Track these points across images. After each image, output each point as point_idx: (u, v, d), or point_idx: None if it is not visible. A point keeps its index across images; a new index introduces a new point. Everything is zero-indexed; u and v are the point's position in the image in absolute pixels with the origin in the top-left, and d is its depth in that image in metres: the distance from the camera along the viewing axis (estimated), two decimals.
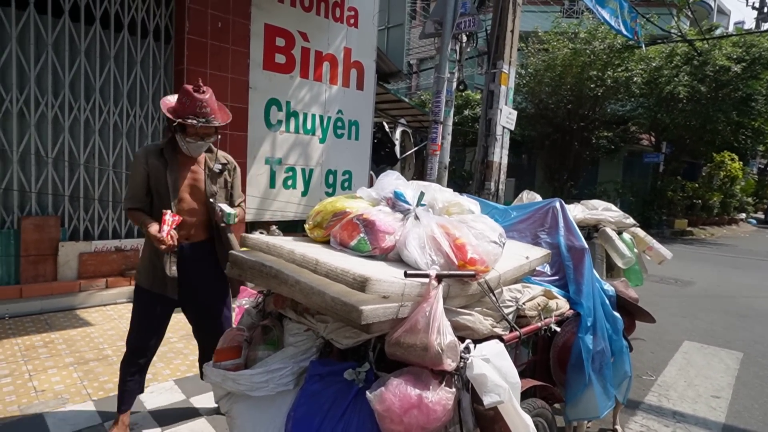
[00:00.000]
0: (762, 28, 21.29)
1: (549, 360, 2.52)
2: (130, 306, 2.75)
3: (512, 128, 7.72)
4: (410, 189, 2.21)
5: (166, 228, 2.42)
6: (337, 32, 6.22)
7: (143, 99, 5.24)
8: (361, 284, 1.56)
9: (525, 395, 2.15)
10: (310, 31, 5.88)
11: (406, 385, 1.59)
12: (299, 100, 5.87)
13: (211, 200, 2.63)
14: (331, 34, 6.14)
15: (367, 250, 1.98)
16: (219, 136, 2.65)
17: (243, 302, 2.32)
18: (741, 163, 19.55)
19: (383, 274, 1.68)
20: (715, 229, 18.88)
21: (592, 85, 15.02)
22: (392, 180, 2.27)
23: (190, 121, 2.41)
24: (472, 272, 1.87)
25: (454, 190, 2.45)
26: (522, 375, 2.33)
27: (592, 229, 3.73)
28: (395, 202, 2.15)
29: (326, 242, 2.12)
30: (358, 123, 6.56)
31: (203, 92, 2.47)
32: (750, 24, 24.58)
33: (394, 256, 2.00)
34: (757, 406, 3.81)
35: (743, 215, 22.21)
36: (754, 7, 24.45)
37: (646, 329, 5.36)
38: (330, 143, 6.27)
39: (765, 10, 23.98)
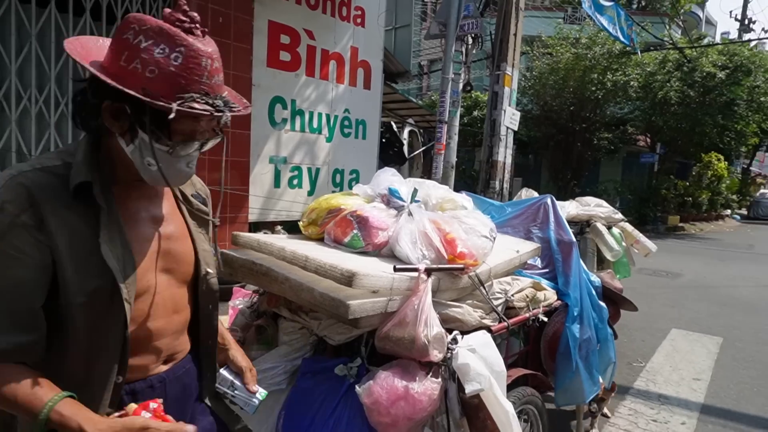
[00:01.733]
0: (743, 39, 21.02)
1: (540, 350, 2.44)
2: None
3: (515, 129, 7.58)
4: (405, 186, 2.12)
5: None
6: (343, 31, 5.99)
7: None
8: (348, 279, 1.48)
9: (516, 384, 2.07)
10: (316, 30, 5.64)
11: (394, 377, 1.51)
12: (305, 98, 5.64)
13: (209, 272, 1.16)
14: (337, 32, 5.91)
15: (360, 246, 1.89)
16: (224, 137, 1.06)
17: (237, 302, 2.22)
18: (726, 163, 19.45)
19: (372, 268, 1.59)
20: (704, 225, 18.66)
21: (593, 88, 14.81)
22: (388, 177, 2.18)
23: (199, 107, 0.90)
24: (461, 266, 1.77)
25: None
26: (514, 365, 2.27)
27: (584, 224, 3.62)
28: (390, 199, 2.06)
29: (321, 239, 2.03)
30: (365, 122, 6.39)
31: (205, 36, 0.96)
32: (734, 34, 24.35)
33: (387, 252, 1.91)
34: (732, 386, 3.83)
35: (728, 211, 21.98)
36: (736, 19, 24.23)
37: (639, 319, 5.30)
38: (337, 142, 6.08)
39: (746, 22, 23.76)
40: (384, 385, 1.49)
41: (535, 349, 2.44)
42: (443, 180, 6.23)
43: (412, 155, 8.90)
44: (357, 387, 1.54)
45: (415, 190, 2.04)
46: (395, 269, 1.61)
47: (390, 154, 7.96)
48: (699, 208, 18.77)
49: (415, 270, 1.64)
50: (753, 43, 16.86)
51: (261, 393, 1.24)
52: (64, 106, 4.40)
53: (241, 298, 2.24)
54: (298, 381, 1.76)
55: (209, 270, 1.16)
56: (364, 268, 1.53)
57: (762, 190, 27.19)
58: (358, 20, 6.12)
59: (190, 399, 1.18)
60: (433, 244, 1.80)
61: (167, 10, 0.93)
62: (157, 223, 1.07)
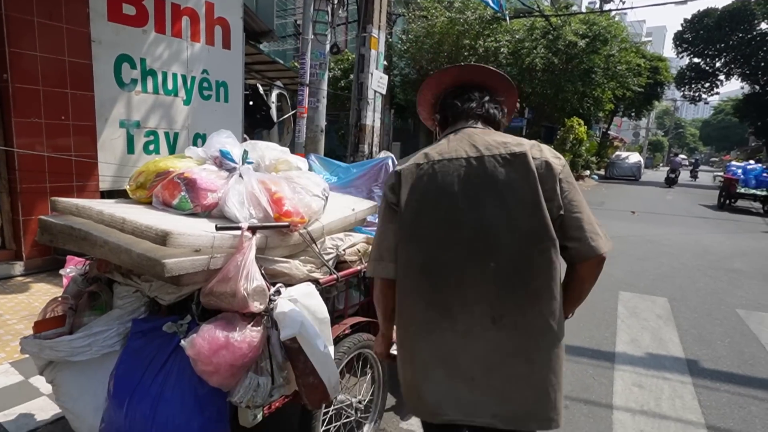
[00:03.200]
0: (604, 9, 23.61)
1: None
2: None
3: (383, 92, 7.82)
4: (237, 148, 2.24)
5: None
6: None
7: None
8: (162, 238, 1.59)
9: (355, 331, 2.35)
10: None
11: (216, 329, 1.67)
12: (156, 57, 5.33)
13: None
14: None
15: (188, 208, 1.99)
16: None
17: (69, 270, 2.21)
18: (586, 127, 21.82)
19: (190, 228, 1.71)
20: None
21: (466, 53, 15.54)
22: (221, 139, 2.27)
23: None
24: (287, 223, 1.96)
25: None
26: (355, 314, 2.55)
27: None
28: (222, 161, 2.17)
29: (150, 203, 2.09)
30: (226, 84, 6.21)
31: None
32: (599, 5, 27.23)
33: (217, 213, 2.04)
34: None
35: (588, 172, 24.93)
36: None
37: None
38: (196, 105, 5.87)
39: None
40: (206, 337, 1.65)
41: None
42: (312, 144, 6.35)
43: (281, 119, 8.84)
44: (182, 341, 1.68)
45: (246, 152, 2.18)
46: (217, 228, 1.75)
47: (257, 118, 7.82)
48: None
49: (238, 228, 1.79)
50: (613, 14, 18.99)
51: None
52: None
53: (73, 266, 2.24)
54: (128, 341, 1.85)
55: None
56: (179, 228, 1.65)
57: (617, 153, 31.46)
58: None
59: None
60: (260, 203, 1.96)
61: None
62: None
